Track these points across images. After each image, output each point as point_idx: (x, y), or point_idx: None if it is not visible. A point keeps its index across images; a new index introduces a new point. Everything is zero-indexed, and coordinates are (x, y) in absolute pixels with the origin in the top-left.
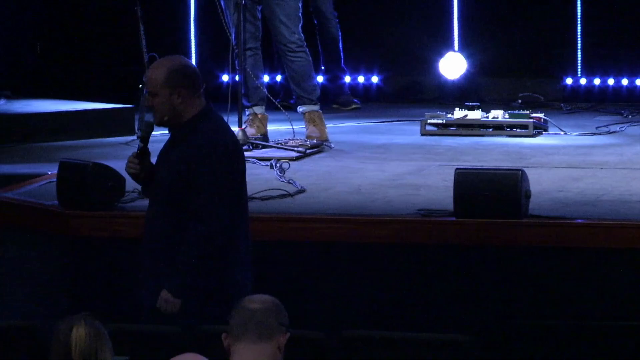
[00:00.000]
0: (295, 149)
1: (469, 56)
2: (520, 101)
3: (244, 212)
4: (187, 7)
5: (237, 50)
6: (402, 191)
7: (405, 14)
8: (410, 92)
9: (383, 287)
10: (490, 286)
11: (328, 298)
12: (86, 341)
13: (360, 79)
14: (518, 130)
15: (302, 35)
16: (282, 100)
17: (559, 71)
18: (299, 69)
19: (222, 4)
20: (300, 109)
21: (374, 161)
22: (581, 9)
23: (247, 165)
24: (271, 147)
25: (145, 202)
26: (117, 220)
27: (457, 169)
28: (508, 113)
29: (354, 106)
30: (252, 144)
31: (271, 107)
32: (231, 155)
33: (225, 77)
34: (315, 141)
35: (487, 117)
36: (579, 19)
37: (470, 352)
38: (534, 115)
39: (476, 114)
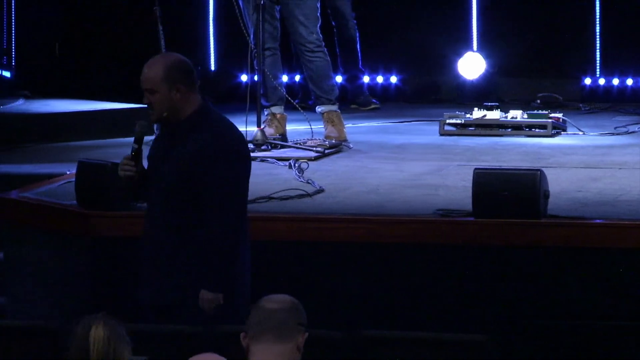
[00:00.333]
0: (314, 149)
1: (487, 56)
2: (539, 101)
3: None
4: (206, 7)
5: (255, 50)
6: (421, 191)
7: (424, 15)
8: (429, 92)
9: (401, 287)
10: (509, 286)
11: (346, 298)
12: (104, 341)
13: (379, 79)
14: (537, 130)
15: (321, 35)
16: (300, 101)
17: (577, 71)
18: (318, 69)
19: (241, 4)
20: (318, 109)
21: (393, 161)
22: (600, 9)
23: (266, 165)
24: (290, 147)
25: None
26: (135, 220)
27: (475, 169)
28: (527, 113)
29: (372, 106)
30: (270, 143)
31: (290, 107)
32: (242, 151)
33: (244, 77)
34: (333, 141)
35: (506, 117)
36: (597, 19)
37: (489, 353)
38: (552, 115)
39: (495, 114)
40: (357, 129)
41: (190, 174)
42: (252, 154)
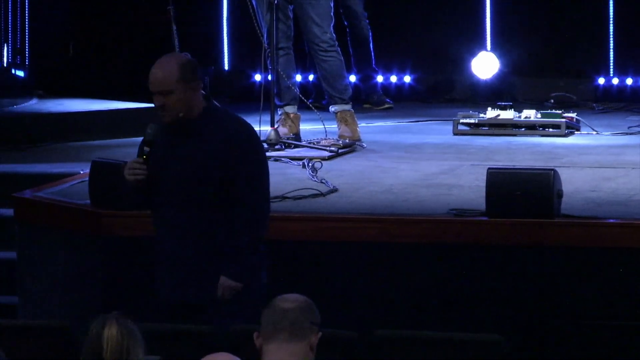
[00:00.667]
0: (328, 148)
1: (501, 56)
2: (552, 101)
3: None
4: (220, 6)
5: (269, 50)
6: (435, 191)
7: (438, 14)
8: (443, 91)
9: (415, 286)
10: (522, 286)
11: (360, 298)
12: (118, 340)
13: (393, 78)
14: (550, 130)
15: (334, 35)
16: (314, 100)
17: (591, 71)
18: (331, 68)
19: (254, 3)
20: (332, 108)
21: (406, 161)
22: (613, 9)
23: (280, 164)
24: (303, 146)
25: None
26: (148, 220)
27: (489, 168)
28: (540, 113)
29: (386, 106)
30: (284, 143)
31: (304, 107)
32: (259, 140)
33: (257, 77)
34: (347, 141)
35: (520, 116)
36: (611, 19)
37: (503, 353)
38: (566, 115)
39: (508, 114)
40: (370, 128)
41: (213, 168)
42: (266, 154)
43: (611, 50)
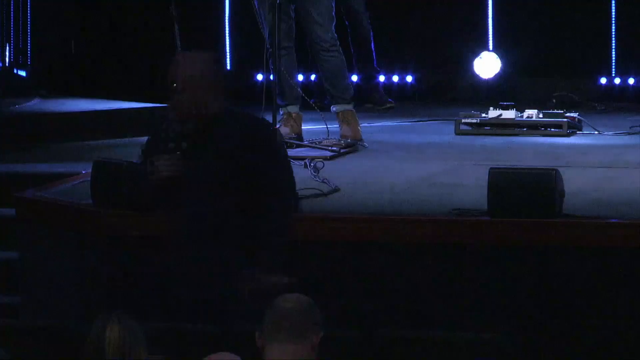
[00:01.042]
0: (330, 148)
1: (503, 55)
2: (554, 101)
3: None
4: (222, 6)
5: (271, 50)
6: (437, 190)
7: (440, 14)
8: (445, 91)
9: (417, 287)
10: (524, 286)
11: (362, 298)
12: (120, 340)
13: (395, 78)
14: (552, 129)
15: (336, 34)
16: (316, 100)
17: (593, 71)
18: (333, 68)
19: (256, 4)
20: (333, 108)
21: (408, 160)
22: (615, 9)
23: None
24: (305, 146)
25: None
26: (151, 220)
27: (491, 168)
28: (542, 112)
29: (388, 105)
30: (286, 143)
31: (306, 107)
32: (280, 138)
33: (259, 77)
34: (349, 140)
35: (522, 116)
36: (613, 18)
37: (506, 352)
38: (568, 114)
39: (510, 114)
40: (372, 128)
41: (242, 161)
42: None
43: (613, 49)
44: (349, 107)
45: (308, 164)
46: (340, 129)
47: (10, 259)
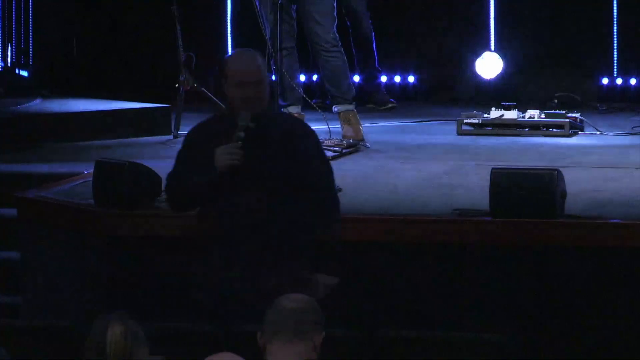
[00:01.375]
0: (332, 148)
1: (505, 56)
2: (556, 101)
3: None
4: (224, 6)
5: (272, 50)
6: (438, 191)
7: (442, 14)
8: (446, 91)
9: (418, 286)
10: (526, 286)
11: (363, 298)
12: (121, 340)
13: (396, 78)
14: (554, 130)
15: (337, 34)
16: (318, 100)
17: (594, 71)
18: (334, 68)
19: (257, 3)
20: (335, 108)
21: (410, 161)
22: (617, 9)
23: None
24: None
25: None
26: (152, 220)
27: (493, 168)
28: (544, 113)
29: (389, 105)
30: None
31: (307, 107)
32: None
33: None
34: (351, 141)
35: (524, 116)
36: (615, 19)
37: (507, 353)
38: (570, 115)
39: (512, 114)
40: (374, 128)
41: (292, 158)
42: None
43: (615, 50)
44: (351, 107)
45: None
46: (342, 130)
47: (12, 259)
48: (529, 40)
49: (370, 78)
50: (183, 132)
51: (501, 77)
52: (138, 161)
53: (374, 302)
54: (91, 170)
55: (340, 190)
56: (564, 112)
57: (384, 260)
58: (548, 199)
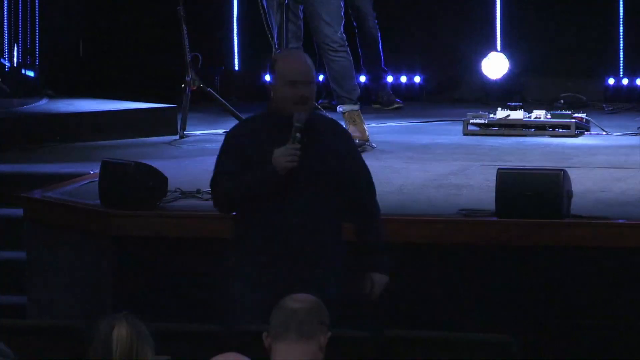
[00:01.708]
0: None
1: (511, 56)
2: (562, 101)
3: None
4: (230, 7)
5: (279, 51)
6: (445, 191)
7: (448, 14)
8: (453, 92)
9: (424, 287)
10: (531, 286)
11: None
12: (127, 340)
13: (403, 78)
14: (560, 130)
15: (344, 35)
16: (324, 101)
17: (600, 71)
18: (340, 68)
19: (265, 4)
20: (340, 108)
21: (416, 161)
22: (623, 9)
23: None
24: None
25: (185, 202)
26: (158, 220)
27: (499, 169)
28: (550, 113)
29: (396, 106)
30: None
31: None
32: None
33: (267, 77)
34: (357, 141)
35: (530, 117)
36: (620, 19)
37: (513, 353)
38: (576, 115)
39: (518, 114)
40: (380, 128)
41: (336, 159)
42: None
43: (621, 50)
44: (356, 107)
45: None
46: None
47: (18, 259)
48: (535, 40)
49: (376, 78)
50: (189, 132)
51: (507, 77)
52: (144, 161)
53: (381, 302)
54: (97, 171)
55: None
56: (570, 112)
57: (390, 260)
58: (554, 199)
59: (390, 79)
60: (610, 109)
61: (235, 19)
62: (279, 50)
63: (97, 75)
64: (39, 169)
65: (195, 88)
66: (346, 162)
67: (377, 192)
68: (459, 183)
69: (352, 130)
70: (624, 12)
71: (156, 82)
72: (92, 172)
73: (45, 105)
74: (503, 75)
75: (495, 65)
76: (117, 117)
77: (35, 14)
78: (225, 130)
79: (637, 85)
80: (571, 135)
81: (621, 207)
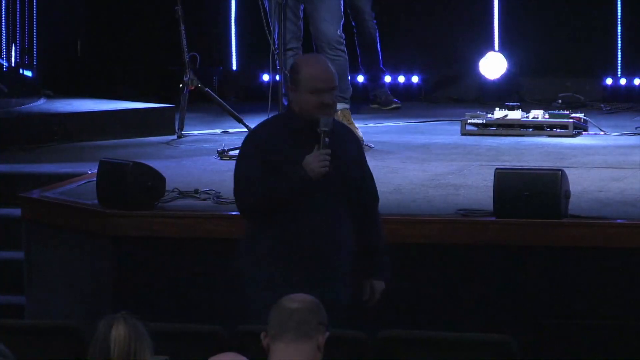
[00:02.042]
0: None
1: (509, 56)
2: (560, 101)
3: None
4: (228, 6)
5: (278, 50)
6: (443, 191)
7: (446, 14)
8: (451, 92)
9: (423, 287)
10: (530, 286)
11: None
12: (126, 340)
13: (401, 78)
14: (558, 130)
15: (343, 34)
16: None
17: (598, 71)
18: (338, 67)
19: (266, 4)
20: None
21: (414, 161)
22: (621, 9)
23: None
24: None
25: (183, 202)
26: (156, 220)
27: (497, 169)
28: (548, 113)
29: (394, 106)
30: None
31: None
32: None
33: (265, 77)
34: None
35: (527, 117)
36: (619, 19)
37: (512, 353)
38: (573, 115)
39: (516, 114)
40: (378, 128)
41: (353, 164)
42: None
43: (619, 50)
44: (347, 105)
45: None
46: None
47: (16, 259)
48: (533, 40)
49: (374, 78)
50: (187, 132)
51: (505, 77)
52: (142, 161)
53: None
54: (95, 171)
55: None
56: (568, 112)
57: (390, 266)
58: (552, 199)
59: (388, 78)
60: (608, 108)
61: (233, 18)
62: (277, 51)
63: (95, 75)
64: (37, 169)
65: (193, 88)
66: (357, 168)
67: None
68: (457, 183)
69: None
70: (622, 12)
71: (154, 82)
72: (90, 172)
73: (43, 105)
74: (501, 75)
75: (493, 65)
76: (115, 117)
77: (33, 13)
78: (223, 130)
79: (635, 85)
80: (569, 135)
81: (619, 207)
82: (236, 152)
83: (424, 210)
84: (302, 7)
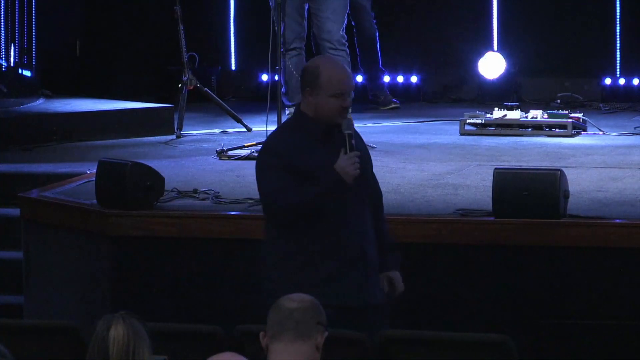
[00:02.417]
0: None
1: (508, 56)
2: (559, 101)
3: None
4: (227, 6)
5: (282, 49)
6: (441, 191)
7: (445, 14)
8: (450, 91)
9: (422, 287)
10: (529, 286)
11: None
12: (124, 340)
13: (400, 78)
14: (557, 130)
15: (345, 35)
16: None
17: (597, 71)
18: None
19: (271, 3)
20: None
21: (413, 161)
22: (620, 9)
23: None
24: None
25: (182, 202)
26: (155, 220)
27: (496, 168)
28: (547, 113)
29: (393, 106)
30: None
31: None
32: None
33: (264, 77)
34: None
35: (526, 117)
36: (617, 19)
37: (510, 353)
38: (572, 115)
39: (515, 114)
40: (377, 128)
41: (369, 163)
42: None
43: (618, 50)
44: None
45: None
46: None
47: (15, 259)
48: (531, 40)
49: (373, 78)
50: (186, 132)
51: (504, 77)
52: (141, 161)
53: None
54: (94, 170)
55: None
56: (566, 112)
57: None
58: (551, 199)
59: (387, 78)
60: (607, 108)
61: (231, 18)
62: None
63: (94, 75)
64: (36, 169)
65: (192, 88)
66: (370, 164)
67: None
68: (455, 183)
69: None
70: (620, 12)
71: (153, 81)
72: (89, 172)
73: (42, 105)
74: (500, 75)
75: (492, 65)
76: (114, 116)
77: (32, 13)
78: (222, 130)
79: (634, 85)
80: (568, 135)
81: (618, 206)
82: (235, 152)
83: (422, 210)
84: (307, 6)
